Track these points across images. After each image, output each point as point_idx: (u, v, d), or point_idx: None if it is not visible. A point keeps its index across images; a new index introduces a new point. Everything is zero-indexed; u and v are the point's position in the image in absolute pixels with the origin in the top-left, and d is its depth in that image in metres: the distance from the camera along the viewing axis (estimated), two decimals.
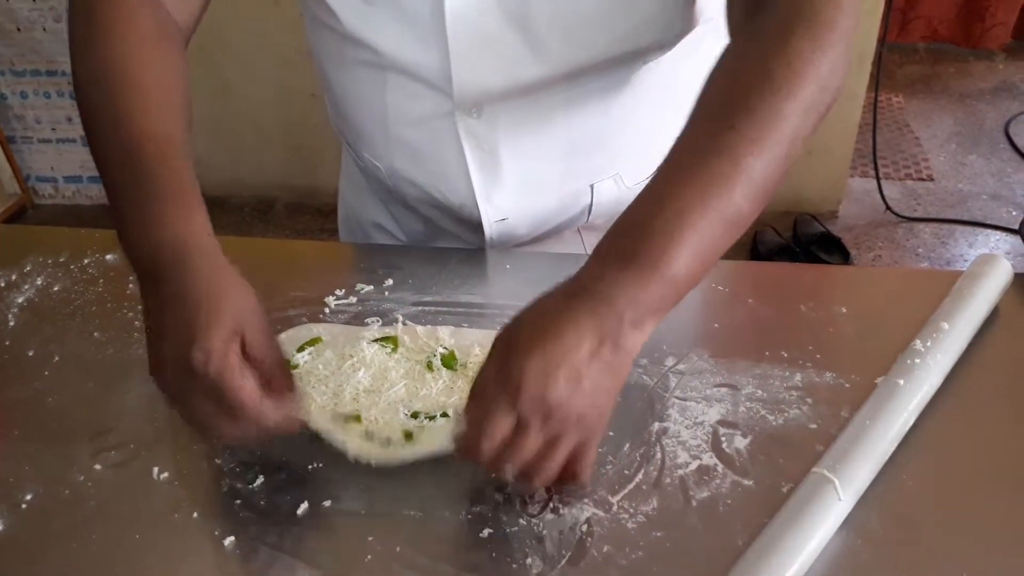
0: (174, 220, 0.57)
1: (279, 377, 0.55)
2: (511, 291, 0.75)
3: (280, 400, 0.54)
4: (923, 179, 2.57)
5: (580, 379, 0.51)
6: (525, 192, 0.80)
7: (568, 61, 0.71)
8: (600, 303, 0.52)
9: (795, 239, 2.28)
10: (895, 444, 0.58)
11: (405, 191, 0.83)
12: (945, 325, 0.65)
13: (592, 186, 0.82)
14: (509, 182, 0.79)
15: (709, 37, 0.79)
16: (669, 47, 0.75)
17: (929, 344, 0.63)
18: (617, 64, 0.73)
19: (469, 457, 0.52)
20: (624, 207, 0.83)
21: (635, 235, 0.55)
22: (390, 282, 0.76)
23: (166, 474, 0.59)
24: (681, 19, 0.73)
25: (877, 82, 2.28)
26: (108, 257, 0.81)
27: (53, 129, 2.46)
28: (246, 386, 0.52)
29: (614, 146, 0.80)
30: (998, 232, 2.33)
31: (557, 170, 0.79)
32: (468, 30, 0.68)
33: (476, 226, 0.83)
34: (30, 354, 0.70)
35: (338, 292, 0.75)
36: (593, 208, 0.84)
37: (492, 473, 0.53)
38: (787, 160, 0.57)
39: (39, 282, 0.78)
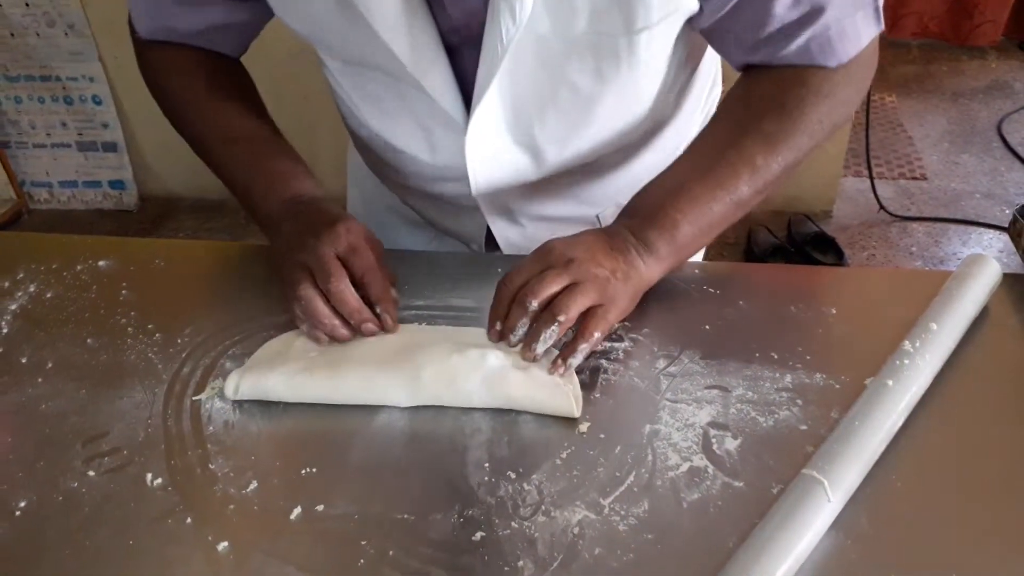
0: (295, 182, 0.76)
1: (381, 294, 0.69)
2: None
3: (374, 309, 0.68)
4: (916, 178, 2.58)
5: (595, 253, 0.67)
6: (536, 227, 0.87)
7: (571, 161, 0.79)
8: (613, 233, 0.70)
9: (789, 239, 2.28)
10: (884, 445, 0.58)
11: (421, 214, 0.92)
12: (934, 326, 0.65)
13: (598, 216, 0.89)
14: (522, 220, 0.87)
15: (704, 103, 0.89)
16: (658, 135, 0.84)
17: (918, 345, 0.64)
18: (615, 154, 0.82)
19: (499, 293, 0.66)
20: None
21: (650, 207, 0.71)
22: None
23: (159, 480, 0.59)
24: (675, 103, 0.82)
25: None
26: (101, 263, 0.81)
27: (48, 134, 2.45)
28: (342, 284, 0.66)
29: (621, 184, 0.85)
30: (991, 231, 2.33)
31: (565, 210, 0.86)
32: (483, 147, 0.75)
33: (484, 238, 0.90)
34: (23, 361, 0.70)
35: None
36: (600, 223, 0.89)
37: (520, 310, 0.64)
38: (795, 164, 0.71)
39: (32, 289, 0.78)
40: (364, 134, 0.83)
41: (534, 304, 0.64)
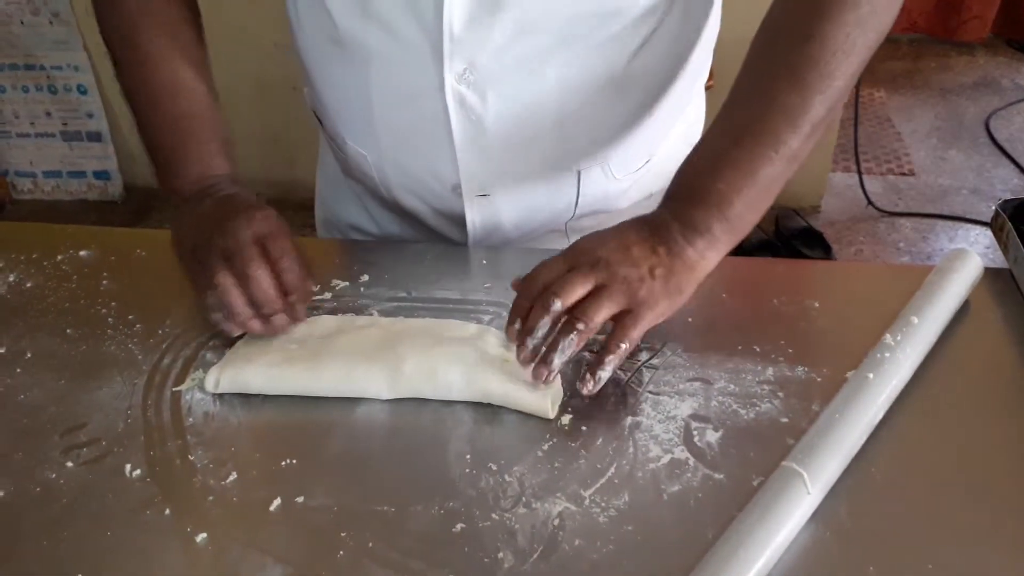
0: (204, 159, 0.73)
1: (296, 283, 0.66)
2: (488, 286, 0.75)
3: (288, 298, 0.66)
4: (904, 174, 2.59)
5: (629, 248, 0.62)
6: (511, 167, 0.79)
7: (562, 5, 0.69)
8: (654, 222, 0.64)
9: (777, 234, 2.29)
10: (864, 438, 0.58)
11: (391, 180, 0.83)
12: (915, 319, 0.65)
13: (579, 172, 0.81)
14: (495, 155, 0.77)
15: (697, 29, 0.79)
16: (661, 9, 0.73)
17: (899, 338, 0.64)
18: (611, 19, 0.71)
19: (523, 289, 0.63)
20: (611, 203, 0.86)
21: (691, 185, 0.64)
22: (366, 278, 0.76)
23: (138, 471, 0.59)
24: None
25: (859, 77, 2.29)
26: (82, 253, 0.80)
27: (32, 124, 2.44)
28: (261, 271, 0.64)
29: (603, 124, 0.78)
30: (978, 226, 2.35)
31: (545, 144, 0.78)
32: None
33: (459, 219, 0.82)
34: (2, 351, 0.70)
35: (313, 288, 0.74)
36: (580, 200, 0.83)
37: (541, 311, 0.61)
38: (839, 92, 0.63)
39: (11, 279, 0.78)
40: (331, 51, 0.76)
41: (557, 305, 0.60)
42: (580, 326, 0.60)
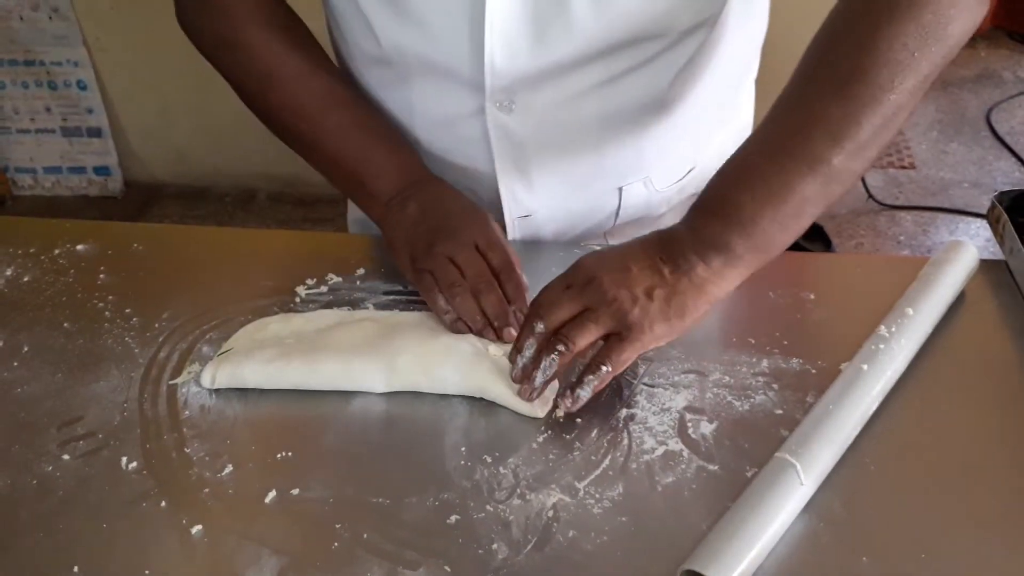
0: (404, 165, 0.74)
1: (515, 295, 0.67)
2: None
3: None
4: (905, 167, 2.58)
5: (629, 269, 0.60)
6: (552, 190, 0.79)
7: (603, 36, 0.67)
8: (667, 237, 0.61)
9: None
10: (858, 429, 0.58)
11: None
12: (910, 311, 0.65)
13: (620, 189, 0.80)
14: (537, 179, 0.78)
15: (745, 37, 0.78)
16: (705, 27, 0.71)
17: (894, 330, 0.64)
18: (653, 43, 0.70)
19: (529, 309, 0.62)
20: (652, 210, 0.87)
21: (715, 198, 0.61)
22: (362, 271, 0.76)
23: (134, 464, 0.59)
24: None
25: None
26: (79, 247, 0.80)
27: (32, 119, 2.43)
28: (493, 287, 0.66)
29: (645, 143, 0.78)
30: (979, 219, 2.34)
31: (586, 167, 0.78)
32: (506, 6, 0.65)
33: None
34: None
35: (309, 282, 0.75)
36: (620, 212, 0.82)
37: (527, 331, 0.61)
38: (893, 109, 0.57)
39: (9, 272, 0.78)
40: (368, 47, 0.74)
41: (540, 327, 0.60)
42: (560, 347, 0.59)
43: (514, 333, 0.64)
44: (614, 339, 0.59)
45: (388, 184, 0.73)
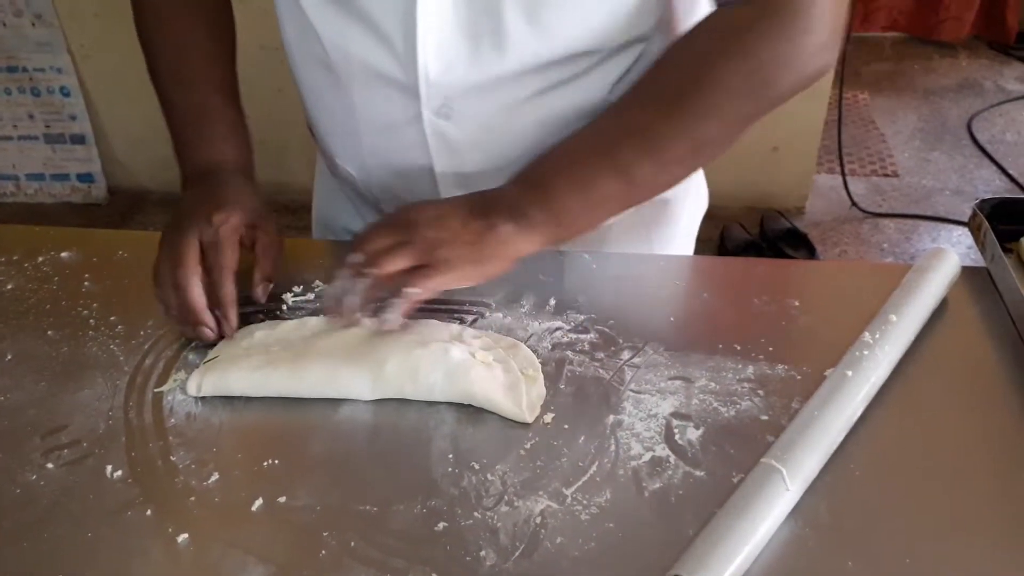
0: (216, 146, 0.77)
1: (223, 298, 0.68)
2: (470, 286, 0.75)
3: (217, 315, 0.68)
4: (888, 175, 2.61)
5: (443, 216, 0.64)
6: None
7: (538, 52, 0.69)
8: (482, 197, 0.66)
9: (762, 235, 2.30)
10: (843, 434, 0.59)
11: (378, 198, 0.84)
12: (893, 317, 0.66)
13: None
14: (477, 183, 0.76)
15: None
16: (639, 44, 0.73)
17: (878, 336, 0.64)
18: (588, 58, 0.71)
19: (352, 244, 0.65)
20: None
21: (532, 172, 0.67)
22: None
23: (119, 472, 0.59)
24: (656, 11, 0.72)
25: (842, 79, 2.31)
26: (63, 255, 0.80)
27: (14, 126, 2.42)
28: (193, 284, 0.67)
29: None
30: (960, 227, 2.37)
31: None
32: (438, 22, 0.67)
33: None
34: None
35: (295, 289, 0.75)
36: None
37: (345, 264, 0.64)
38: (712, 135, 0.64)
39: None
40: (314, 54, 0.76)
41: (356, 258, 0.64)
42: (368, 270, 0.63)
43: (209, 335, 0.67)
44: (422, 269, 0.63)
45: (184, 167, 0.77)
